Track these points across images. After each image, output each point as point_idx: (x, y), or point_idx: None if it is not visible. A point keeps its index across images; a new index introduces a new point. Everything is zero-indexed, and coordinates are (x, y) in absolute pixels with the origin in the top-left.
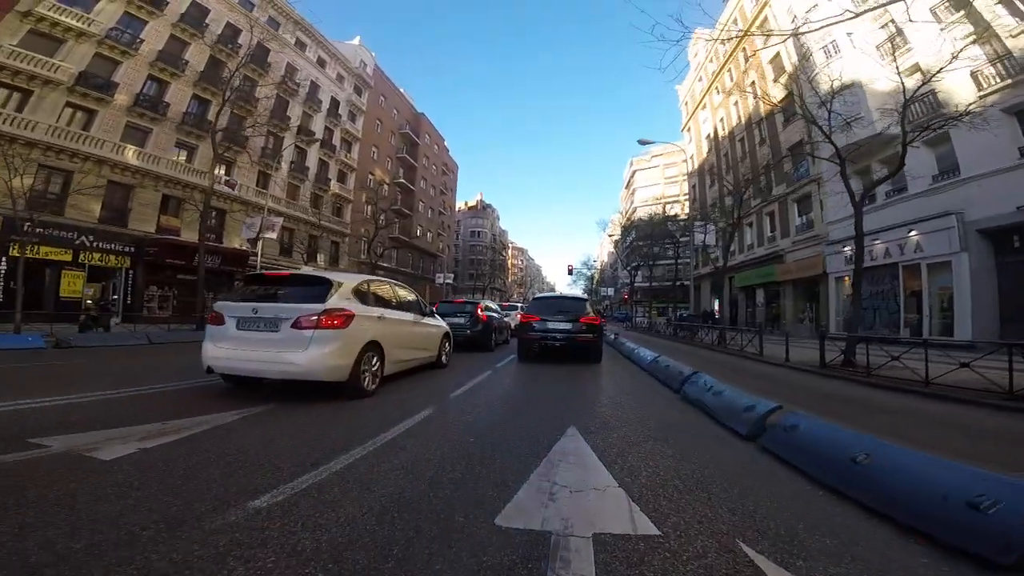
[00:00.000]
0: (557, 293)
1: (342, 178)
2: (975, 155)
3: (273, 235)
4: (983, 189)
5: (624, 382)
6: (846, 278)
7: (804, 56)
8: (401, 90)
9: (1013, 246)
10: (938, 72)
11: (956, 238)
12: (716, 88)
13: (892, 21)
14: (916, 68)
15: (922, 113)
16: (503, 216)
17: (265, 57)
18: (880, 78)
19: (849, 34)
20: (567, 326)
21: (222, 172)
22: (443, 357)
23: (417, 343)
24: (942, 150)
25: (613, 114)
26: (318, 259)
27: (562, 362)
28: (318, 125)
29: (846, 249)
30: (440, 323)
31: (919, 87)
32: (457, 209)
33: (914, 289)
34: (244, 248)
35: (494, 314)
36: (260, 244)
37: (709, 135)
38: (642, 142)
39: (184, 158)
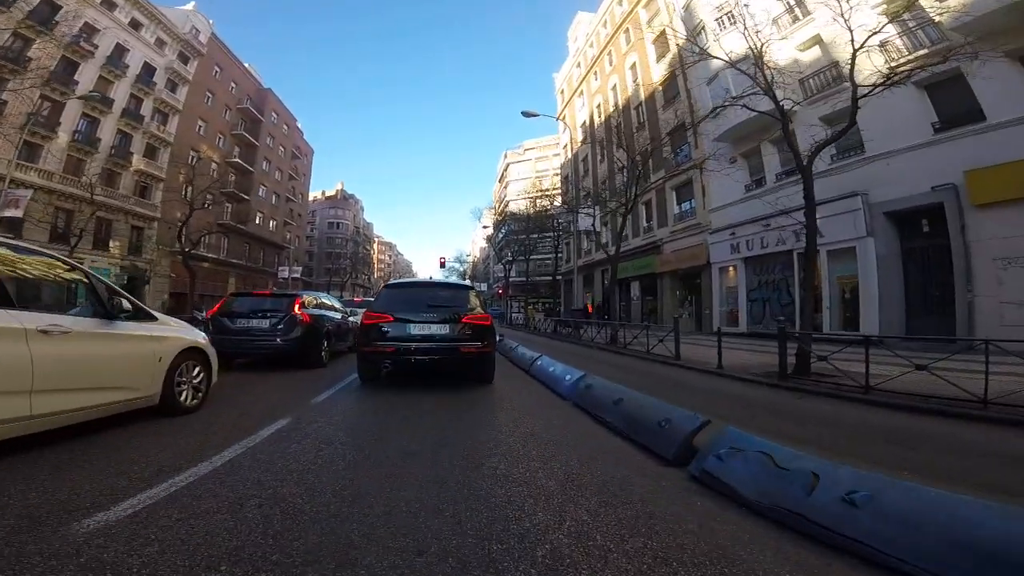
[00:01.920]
0: (425, 279)
1: (151, 153)
2: (881, 132)
3: (17, 212)
4: (891, 168)
5: (547, 434)
6: (731, 268)
7: (695, 30)
8: (246, 64)
9: (922, 230)
10: (886, 24)
11: (862, 221)
12: (595, 73)
13: None
14: (817, 39)
15: (817, 88)
16: (369, 209)
17: (53, 14)
18: (775, 51)
19: (746, 5)
20: (443, 330)
21: None
22: (184, 395)
23: (47, 379)
24: (841, 127)
25: (488, 108)
26: (110, 247)
27: (430, 384)
28: (121, 92)
29: (733, 236)
30: (166, 330)
31: (867, 38)
32: (313, 199)
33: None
34: None
35: (328, 313)
36: None
37: (585, 122)
38: (526, 114)
39: None
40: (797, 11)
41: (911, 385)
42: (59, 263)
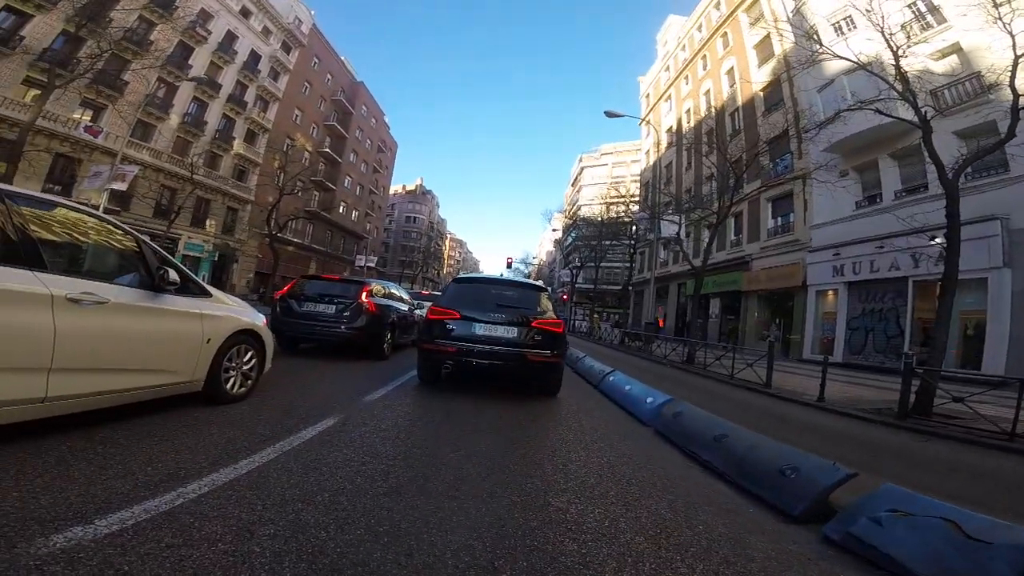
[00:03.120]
0: (495, 275)
1: (251, 138)
2: None
3: (122, 186)
4: None
5: (626, 468)
6: (831, 292)
7: (809, 33)
8: (342, 57)
9: None
10: None
11: (999, 249)
12: (685, 77)
13: None
14: (955, 48)
15: (953, 100)
16: (443, 206)
17: (172, 0)
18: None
19: (868, 11)
20: (510, 333)
21: (86, 117)
22: (232, 382)
23: (72, 356)
24: (994, 140)
25: (565, 112)
26: (207, 226)
27: (491, 391)
28: (228, 78)
29: (837, 257)
30: (220, 309)
31: None
32: (393, 192)
33: (927, 312)
34: (90, 202)
35: (395, 304)
36: (105, 198)
37: (671, 127)
38: (609, 114)
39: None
40: (930, 18)
41: None
42: (111, 226)
